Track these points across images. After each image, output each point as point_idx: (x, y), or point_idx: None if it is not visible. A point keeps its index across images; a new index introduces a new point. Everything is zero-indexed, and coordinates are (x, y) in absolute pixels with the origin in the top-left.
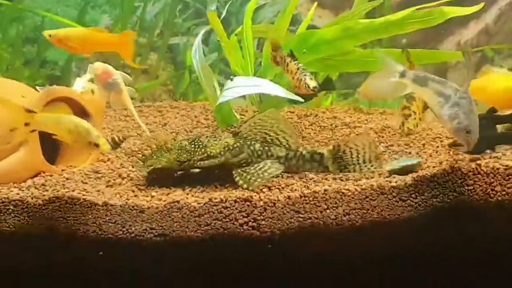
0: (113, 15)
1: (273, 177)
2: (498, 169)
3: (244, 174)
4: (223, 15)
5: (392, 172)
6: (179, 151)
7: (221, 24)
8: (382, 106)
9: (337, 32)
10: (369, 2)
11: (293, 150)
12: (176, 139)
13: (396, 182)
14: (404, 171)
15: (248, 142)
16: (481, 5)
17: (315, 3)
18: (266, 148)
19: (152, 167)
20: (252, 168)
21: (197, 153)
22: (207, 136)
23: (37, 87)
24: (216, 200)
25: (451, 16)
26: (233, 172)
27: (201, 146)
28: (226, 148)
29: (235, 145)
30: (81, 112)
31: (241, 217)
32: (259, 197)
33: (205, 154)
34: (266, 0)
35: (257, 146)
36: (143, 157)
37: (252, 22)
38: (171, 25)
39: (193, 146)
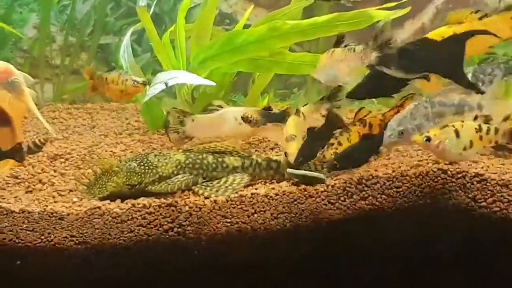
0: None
1: (242, 186)
2: None
3: (209, 188)
4: (151, 10)
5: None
6: (128, 173)
7: (153, 22)
8: None
9: (264, 32)
10: (300, 2)
11: (249, 158)
12: (121, 161)
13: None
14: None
15: (200, 156)
16: (408, 9)
17: (252, 6)
18: (220, 159)
19: (100, 195)
20: (215, 183)
21: (148, 175)
22: (155, 155)
23: None
24: (139, 206)
25: (377, 20)
26: (193, 188)
27: (151, 166)
28: (179, 166)
29: (187, 161)
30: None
31: (166, 223)
32: (184, 202)
33: (157, 176)
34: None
35: (210, 158)
36: (88, 182)
37: (185, 21)
38: (102, 24)
39: (142, 167)
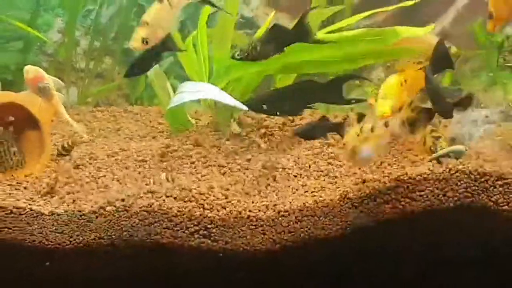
0: (66, 18)
1: None
2: None
3: None
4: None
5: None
6: None
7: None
8: None
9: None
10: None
11: None
12: None
13: None
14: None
15: None
16: (432, 26)
17: (273, 11)
18: None
19: None
20: None
21: None
22: None
23: None
24: None
25: (403, 36)
26: None
27: None
28: None
29: None
30: (30, 118)
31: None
32: None
33: None
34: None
35: None
36: None
37: (207, 26)
38: (125, 29)
39: None
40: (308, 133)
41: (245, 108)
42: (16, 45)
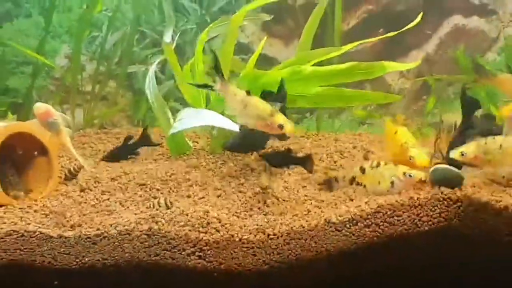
0: (72, 44)
1: None
2: None
3: None
4: (173, 44)
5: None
6: None
7: (176, 53)
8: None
9: (286, 75)
10: (312, 51)
11: None
12: None
13: None
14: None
15: None
16: (418, 62)
17: (265, 37)
18: None
19: None
20: None
21: None
22: None
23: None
24: None
25: (390, 71)
26: None
27: None
28: None
29: None
30: (40, 145)
31: None
32: None
33: None
34: (218, 31)
35: None
36: None
37: (204, 52)
38: (129, 54)
39: None
40: (272, 160)
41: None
42: (26, 70)
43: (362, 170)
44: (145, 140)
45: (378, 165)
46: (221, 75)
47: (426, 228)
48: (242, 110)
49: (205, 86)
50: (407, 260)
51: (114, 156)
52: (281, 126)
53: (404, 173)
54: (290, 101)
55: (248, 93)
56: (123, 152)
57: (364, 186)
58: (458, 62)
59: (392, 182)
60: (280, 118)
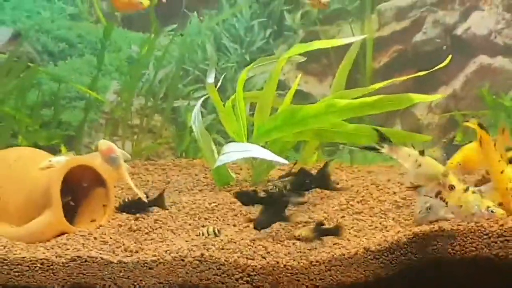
0: (121, 81)
1: None
2: None
3: None
4: (219, 83)
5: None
6: None
7: (217, 91)
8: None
9: (321, 109)
10: (346, 91)
11: None
12: None
13: None
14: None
15: None
16: (442, 95)
17: (299, 74)
18: None
19: None
20: None
21: None
22: None
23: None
24: None
25: (416, 102)
26: None
27: None
28: None
29: None
30: (97, 178)
31: None
32: None
33: None
34: (255, 71)
35: None
36: None
37: (244, 89)
38: (174, 90)
39: None
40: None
41: (286, 162)
42: (78, 105)
43: (451, 188)
44: (158, 202)
45: (467, 190)
46: (388, 141)
47: None
48: (416, 170)
49: (373, 148)
50: None
51: (126, 208)
52: (452, 187)
53: (488, 207)
54: (327, 136)
55: (421, 153)
56: (134, 207)
57: (447, 203)
58: (483, 99)
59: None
60: (453, 180)
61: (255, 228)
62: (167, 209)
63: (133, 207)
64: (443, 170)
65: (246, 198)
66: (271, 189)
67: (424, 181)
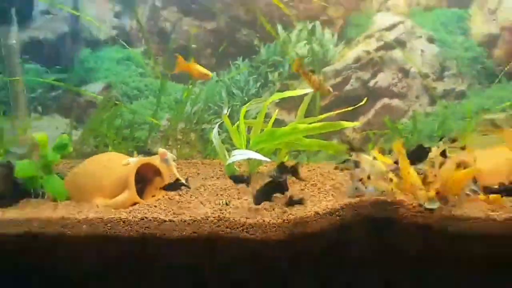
0: (171, 113)
1: None
2: None
3: None
4: (227, 113)
5: None
6: None
7: (229, 118)
8: None
9: (289, 130)
10: (305, 119)
11: None
12: None
13: None
14: None
15: None
16: (360, 122)
17: (277, 109)
18: None
19: None
20: None
21: None
22: None
23: (133, 156)
24: None
25: (346, 126)
26: None
27: None
28: None
29: None
30: (157, 171)
31: None
32: None
33: None
34: (251, 107)
35: None
36: None
37: (244, 118)
38: (201, 118)
39: None
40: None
41: (269, 160)
42: (145, 127)
43: (368, 177)
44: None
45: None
46: (356, 150)
47: None
48: (371, 168)
49: (351, 149)
50: None
51: (170, 187)
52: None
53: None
54: (293, 146)
55: (374, 158)
56: (176, 186)
57: (366, 187)
58: (386, 124)
59: None
60: (378, 174)
61: (254, 202)
62: (190, 188)
63: (175, 187)
64: (384, 169)
65: (235, 178)
66: (271, 176)
67: (375, 175)
